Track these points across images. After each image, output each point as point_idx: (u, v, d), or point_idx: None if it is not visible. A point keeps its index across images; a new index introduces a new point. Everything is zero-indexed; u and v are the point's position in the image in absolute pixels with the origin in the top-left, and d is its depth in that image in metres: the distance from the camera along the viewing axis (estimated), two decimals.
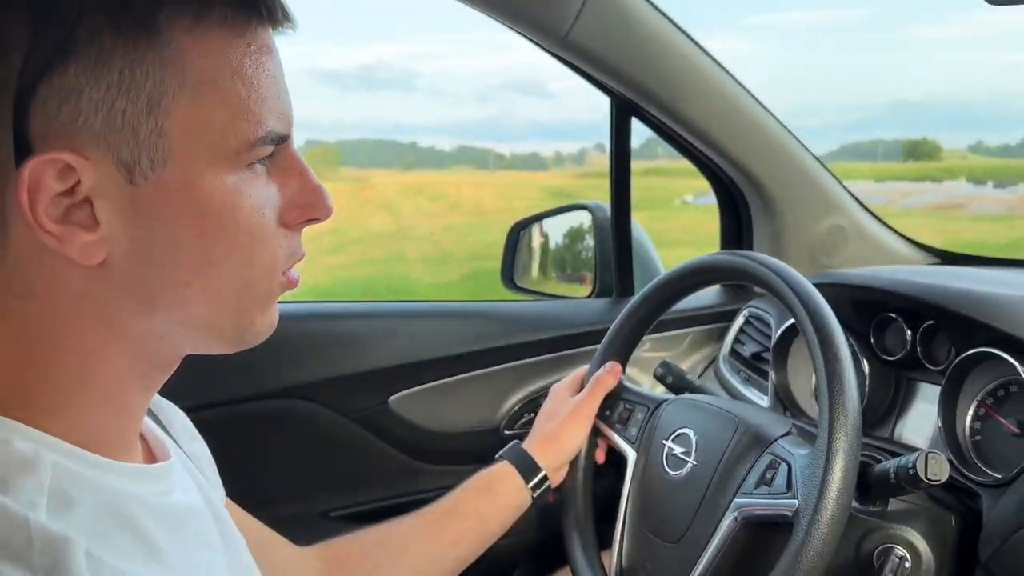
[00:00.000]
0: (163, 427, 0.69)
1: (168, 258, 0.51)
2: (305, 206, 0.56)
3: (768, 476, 0.86)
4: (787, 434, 0.90)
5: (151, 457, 0.62)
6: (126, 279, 0.51)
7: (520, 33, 1.14)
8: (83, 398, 0.52)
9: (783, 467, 0.85)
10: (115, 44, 0.47)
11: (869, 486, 0.87)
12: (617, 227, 1.43)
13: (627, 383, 1.08)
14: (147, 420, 0.64)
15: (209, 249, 0.52)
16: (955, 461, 0.97)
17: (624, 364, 1.10)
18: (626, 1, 1.14)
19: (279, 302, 0.59)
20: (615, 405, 1.06)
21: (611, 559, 0.99)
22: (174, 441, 0.68)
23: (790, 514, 0.80)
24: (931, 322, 1.03)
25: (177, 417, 0.74)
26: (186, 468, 0.65)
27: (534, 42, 1.16)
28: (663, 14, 1.19)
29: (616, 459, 1.07)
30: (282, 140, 0.54)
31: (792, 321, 1.13)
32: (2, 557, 0.44)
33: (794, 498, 0.81)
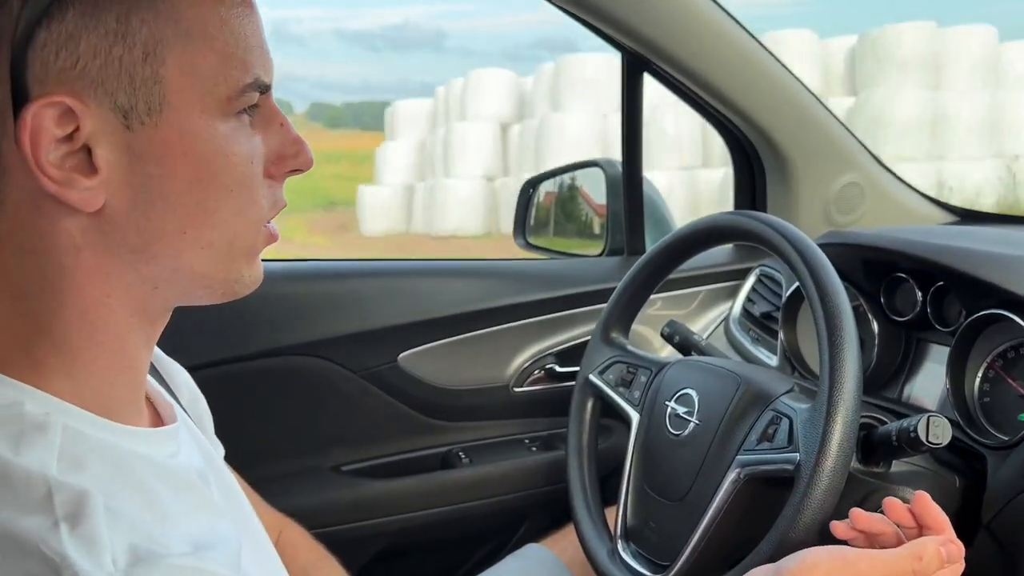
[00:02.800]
0: (166, 385, 0.70)
1: (164, 205, 0.52)
2: (288, 157, 0.57)
3: (770, 432, 0.86)
4: (789, 391, 0.90)
5: (158, 420, 0.63)
6: (123, 227, 0.52)
7: None
8: (88, 355, 0.53)
9: (784, 422, 0.85)
10: None
11: (872, 447, 0.87)
12: (629, 185, 1.42)
13: (630, 347, 1.08)
14: (153, 383, 0.65)
15: (203, 196, 0.53)
16: (962, 422, 0.96)
17: (629, 325, 1.10)
18: None
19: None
20: (618, 368, 1.06)
21: (616, 518, 1.00)
22: (177, 400, 0.69)
23: (792, 468, 0.81)
24: (941, 283, 1.02)
25: (180, 375, 0.75)
26: (190, 430, 0.66)
27: None
28: None
29: (621, 418, 1.07)
30: (266, 88, 0.55)
31: None
32: (25, 511, 0.45)
33: (795, 451, 0.81)
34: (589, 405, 1.09)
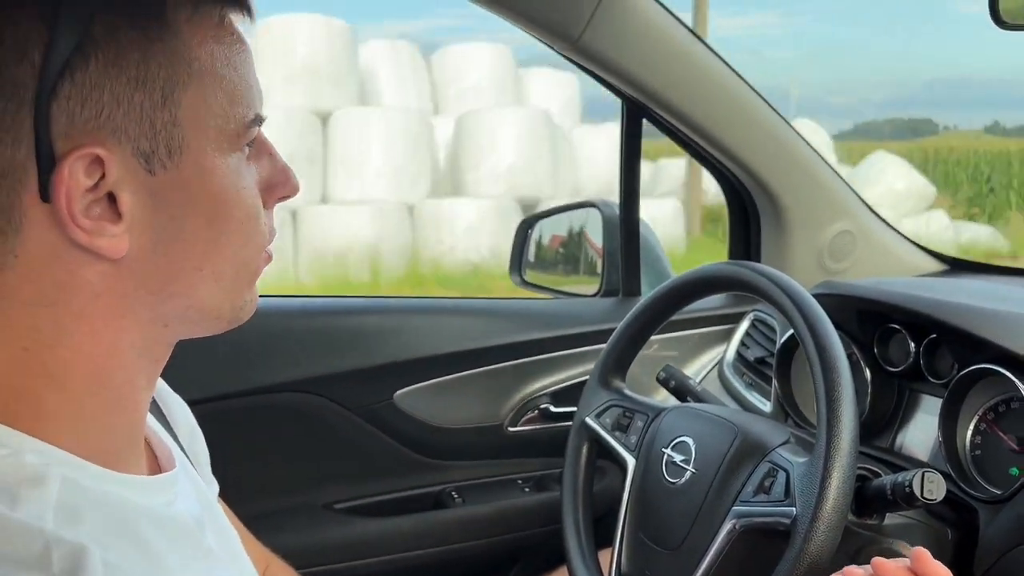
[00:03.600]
0: (166, 421, 0.70)
1: (183, 244, 0.53)
2: (279, 185, 0.59)
3: (766, 484, 0.87)
4: (785, 442, 0.91)
5: (155, 463, 0.63)
6: (143, 270, 0.52)
7: (533, 35, 1.14)
8: (94, 401, 0.53)
9: (781, 475, 0.86)
10: (130, 37, 0.49)
11: (866, 500, 0.88)
12: (626, 226, 1.43)
13: (627, 391, 1.09)
14: (152, 424, 0.65)
15: (218, 231, 0.54)
16: (954, 475, 0.97)
17: (626, 368, 1.11)
18: (638, 5, 1.14)
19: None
20: (615, 412, 1.07)
21: (610, 563, 1.00)
22: (175, 437, 0.69)
23: (788, 522, 0.81)
24: (934, 335, 1.03)
25: (181, 411, 0.74)
26: (187, 473, 0.66)
27: (547, 44, 1.16)
28: (675, 17, 1.19)
29: (617, 461, 1.08)
30: (262, 121, 0.56)
31: None
32: (23, 567, 0.45)
33: (792, 506, 0.82)
34: (585, 448, 1.10)
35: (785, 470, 0.85)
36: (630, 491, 1.00)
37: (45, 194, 0.48)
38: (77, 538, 0.46)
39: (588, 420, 1.09)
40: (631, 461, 1.02)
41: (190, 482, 0.66)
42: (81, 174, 0.48)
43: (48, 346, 0.51)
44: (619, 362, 1.10)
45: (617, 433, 1.05)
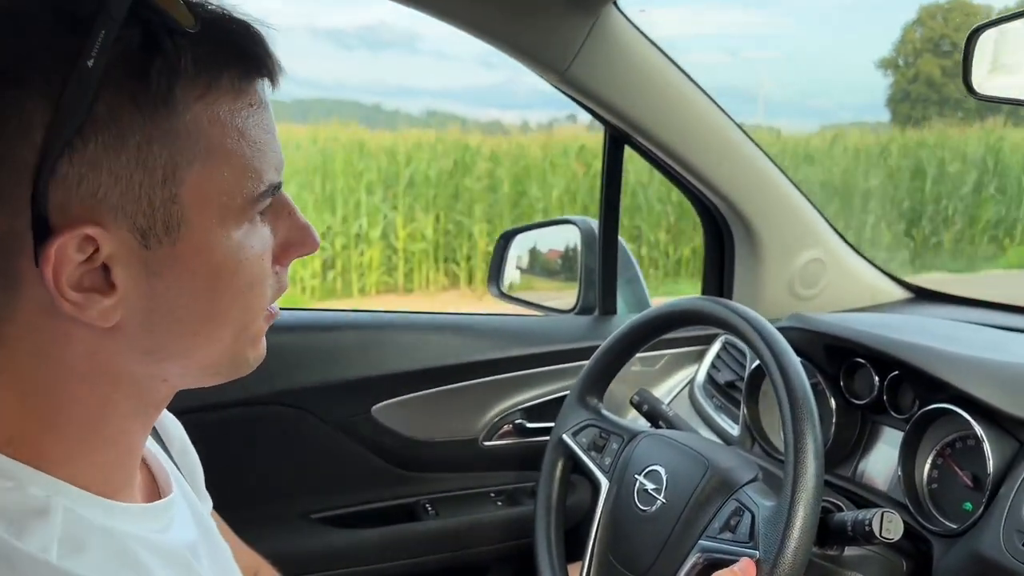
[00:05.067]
0: (160, 439, 0.72)
1: (179, 313, 0.53)
2: (297, 243, 0.59)
3: (732, 523, 0.90)
4: (753, 480, 0.95)
5: (153, 486, 0.65)
6: (136, 335, 0.53)
7: (524, 65, 1.16)
8: (89, 445, 0.55)
9: (747, 515, 0.89)
10: (133, 118, 0.48)
11: (827, 533, 0.91)
12: (604, 247, 1.46)
13: (604, 411, 1.12)
14: (152, 447, 0.66)
15: (216, 300, 0.54)
16: (911, 508, 1.02)
17: (604, 390, 1.14)
18: (623, 40, 1.16)
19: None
20: (591, 432, 1.10)
21: None
22: (168, 455, 0.71)
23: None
24: (897, 372, 1.07)
25: (175, 430, 0.76)
26: (184, 495, 0.68)
27: (537, 74, 1.18)
28: (660, 50, 1.22)
29: (590, 480, 1.11)
30: (278, 188, 0.56)
31: None
32: None
33: (755, 548, 0.85)
34: (560, 464, 1.13)
35: (751, 512, 0.88)
36: (602, 512, 1.03)
37: (38, 262, 0.49)
38: (81, 570, 0.49)
39: (565, 437, 1.12)
40: (604, 483, 1.05)
41: (187, 504, 0.67)
42: (72, 250, 0.49)
43: (44, 393, 0.53)
44: (597, 383, 1.13)
45: (593, 453, 1.08)
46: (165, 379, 0.57)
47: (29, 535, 0.49)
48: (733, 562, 0.86)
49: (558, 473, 1.13)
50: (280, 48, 0.54)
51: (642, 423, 1.32)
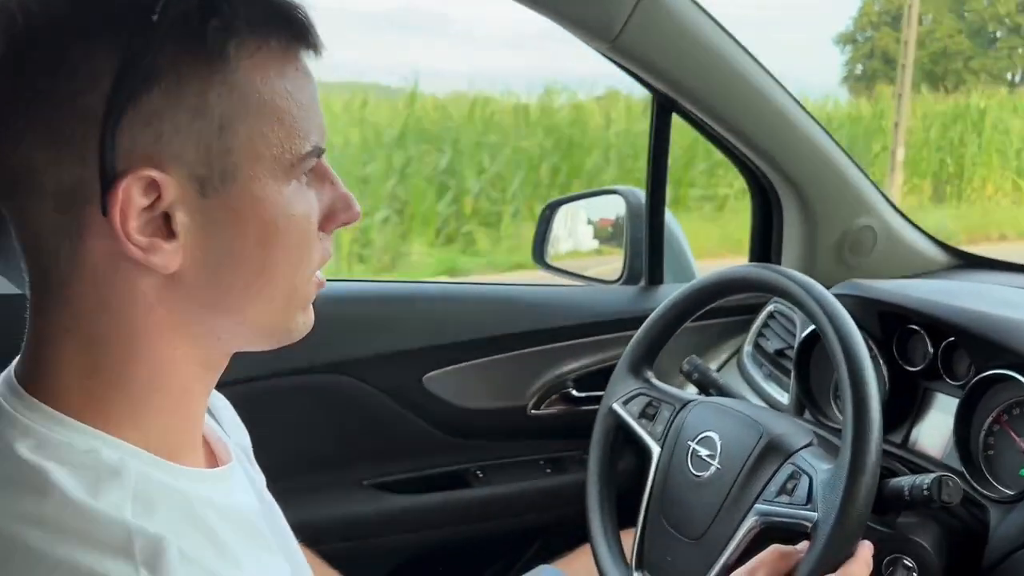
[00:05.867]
0: (214, 417, 0.74)
1: (233, 264, 0.55)
2: (339, 211, 0.61)
3: (789, 486, 0.90)
4: (808, 445, 0.95)
5: (213, 458, 0.67)
6: (195, 286, 0.55)
7: (571, 33, 1.16)
8: (153, 404, 0.57)
9: (804, 479, 0.89)
10: (192, 70, 0.51)
11: (883, 499, 0.91)
12: (651, 215, 1.46)
13: (655, 381, 1.12)
14: (208, 420, 0.68)
15: (267, 255, 0.56)
16: (967, 474, 1.01)
17: (654, 359, 1.15)
18: (674, 6, 1.15)
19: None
20: (642, 400, 1.10)
21: (632, 546, 1.05)
22: (224, 432, 0.73)
23: (809, 525, 0.85)
24: (952, 339, 1.07)
25: (226, 410, 0.78)
26: (242, 466, 0.70)
27: (584, 42, 1.18)
28: (710, 17, 1.21)
29: (641, 447, 1.12)
30: (322, 152, 0.59)
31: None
32: (107, 554, 0.49)
33: (813, 511, 0.85)
34: (611, 433, 1.13)
35: (808, 475, 0.88)
36: (654, 478, 1.04)
37: (105, 210, 0.51)
38: (155, 528, 0.51)
39: (615, 406, 1.12)
40: (656, 450, 1.05)
41: (246, 475, 0.70)
42: (138, 194, 0.51)
43: (110, 351, 0.55)
44: (648, 352, 1.13)
45: (643, 421, 1.08)
46: (220, 337, 0.59)
47: (105, 494, 0.51)
48: (790, 525, 0.87)
49: (609, 442, 1.14)
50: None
51: (692, 391, 1.32)
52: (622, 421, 1.12)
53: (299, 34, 0.56)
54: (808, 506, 0.86)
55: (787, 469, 0.91)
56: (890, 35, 16.79)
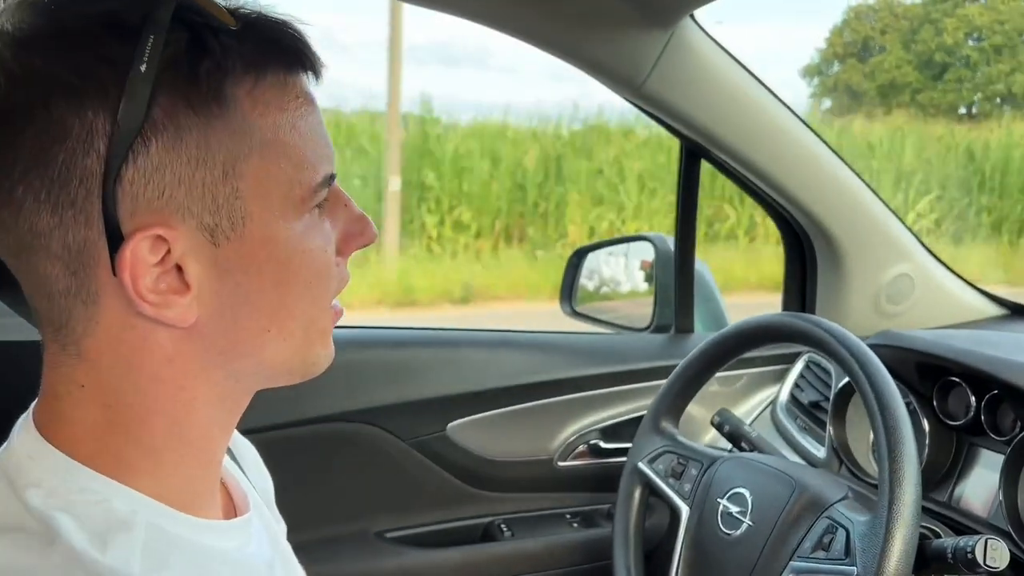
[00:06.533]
0: (236, 462, 0.72)
1: (250, 308, 0.54)
2: (355, 235, 0.59)
3: (825, 541, 0.87)
4: (844, 498, 0.91)
5: (231, 505, 0.65)
6: (212, 334, 0.54)
7: (598, 80, 1.15)
8: (171, 456, 0.55)
9: (841, 532, 0.86)
10: (188, 118, 0.49)
11: (926, 560, 0.87)
12: (681, 263, 1.44)
13: (680, 437, 1.09)
14: (229, 466, 0.67)
15: (284, 293, 0.55)
16: (1014, 535, 0.96)
17: (680, 414, 1.11)
18: (700, 52, 1.14)
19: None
20: (668, 458, 1.07)
21: None
22: (246, 477, 0.71)
23: None
24: (996, 392, 1.02)
25: (249, 452, 0.77)
26: (260, 515, 0.68)
27: (611, 89, 1.17)
28: (738, 62, 1.19)
29: (669, 506, 1.08)
30: (333, 179, 0.57)
31: None
32: None
33: (852, 565, 0.82)
34: (637, 493, 1.10)
35: (845, 528, 0.85)
36: (684, 539, 1.00)
37: (115, 270, 0.50)
38: None
39: (641, 465, 1.09)
40: (685, 509, 1.02)
41: (263, 524, 0.68)
42: (146, 252, 0.50)
43: (127, 405, 0.54)
44: (672, 407, 1.11)
45: (671, 480, 1.05)
46: (239, 380, 0.57)
47: (113, 548, 0.50)
48: None
49: (635, 503, 1.11)
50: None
51: (723, 443, 1.28)
52: (648, 480, 1.09)
53: (296, 60, 0.54)
54: (847, 561, 0.82)
55: (823, 523, 0.87)
56: (856, 67, 16.46)
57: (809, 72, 17.46)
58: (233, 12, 0.51)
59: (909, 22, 16.68)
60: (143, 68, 0.47)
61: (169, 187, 0.49)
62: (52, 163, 0.48)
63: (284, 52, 0.53)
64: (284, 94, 0.53)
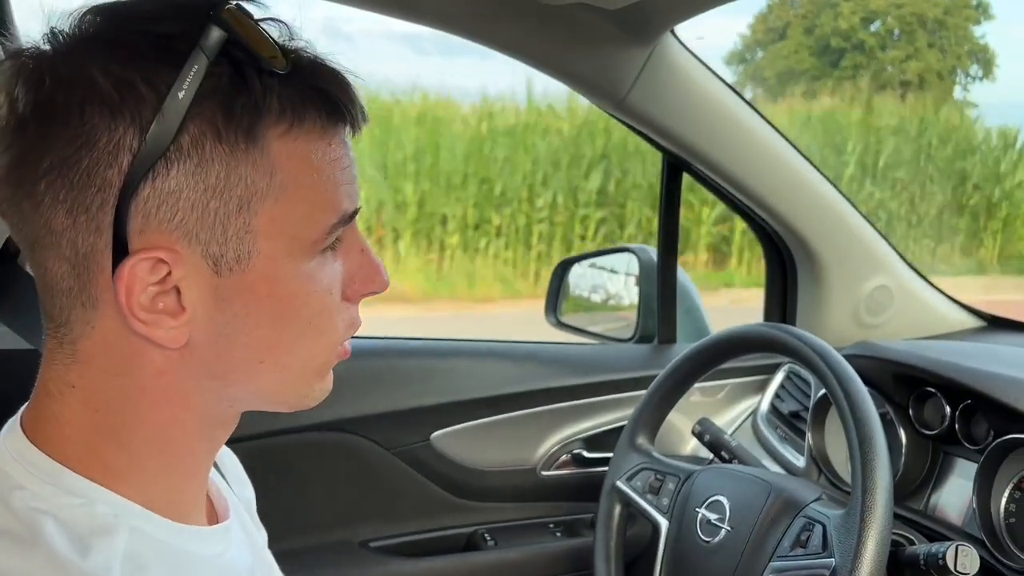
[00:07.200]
0: (217, 469, 0.73)
1: (246, 339, 0.54)
2: (365, 281, 0.59)
3: (803, 538, 0.89)
4: (818, 499, 0.93)
5: (212, 512, 0.66)
6: (204, 358, 0.54)
7: (580, 93, 1.17)
8: (156, 464, 0.56)
9: (817, 528, 0.88)
10: (215, 150, 0.50)
11: (899, 567, 0.89)
12: (663, 274, 1.45)
13: (656, 453, 1.11)
14: (212, 474, 0.68)
15: (282, 329, 0.55)
16: (987, 542, 0.98)
17: (656, 430, 1.13)
18: (681, 66, 1.16)
19: None
20: (646, 475, 1.08)
21: None
22: (228, 484, 0.72)
23: (827, 573, 0.83)
24: (969, 401, 1.04)
25: (231, 461, 0.77)
26: (241, 522, 0.69)
27: (593, 102, 1.19)
28: (719, 77, 1.21)
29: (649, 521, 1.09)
30: (353, 216, 0.57)
31: None
32: None
33: (830, 556, 0.84)
34: (617, 511, 1.12)
35: (821, 523, 0.87)
36: (664, 552, 1.02)
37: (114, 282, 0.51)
38: None
39: (619, 484, 1.11)
40: (664, 523, 1.03)
41: (243, 531, 0.68)
42: (145, 271, 0.50)
43: (116, 411, 0.55)
44: (649, 423, 1.12)
45: (649, 496, 1.07)
46: (231, 403, 0.58)
47: (94, 553, 0.50)
48: None
49: (615, 521, 1.12)
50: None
51: (703, 453, 1.30)
52: (627, 498, 1.10)
53: (336, 112, 0.54)
54: (824, 553, 0.84)
55: (800, 522, 0.89)
56: (777, 52, 15.68)
57: (732, 60, 16.83)
58: (287, 53, 0.52)
59: (815, 6, 15.66)
60: (181, 95, 0.48)
61: (182, 211, 0.50)
62: (76, 167, 0.49)
63: (327, 102, 0.53)
64: (318, 141, 0.53)
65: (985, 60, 15.71)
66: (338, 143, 0.55)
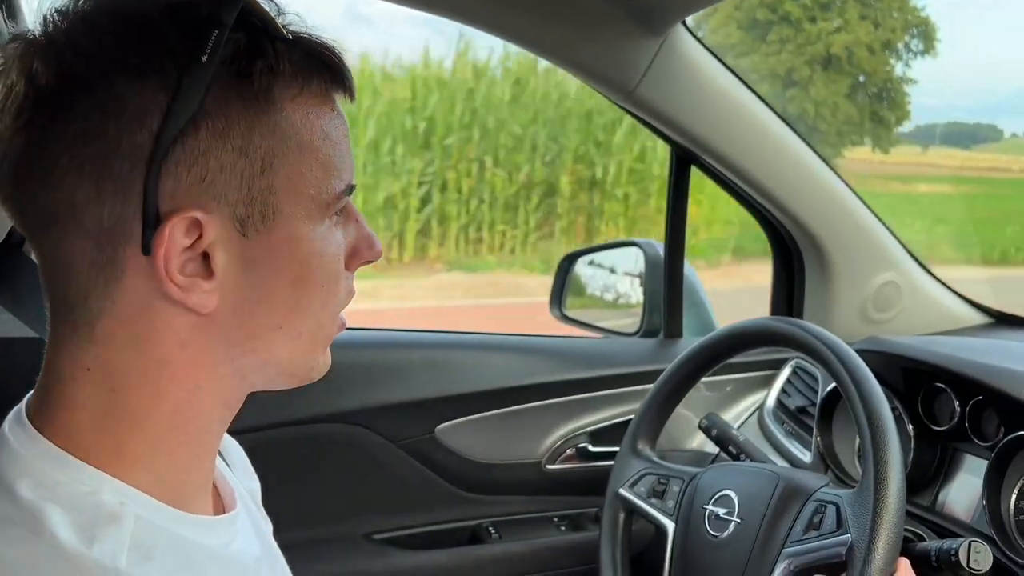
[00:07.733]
0: (223, 459, 0.72)
1: (267, 304, 0.56)
2: (363, 250, 0.62)
3: (816, 520, 0.89)
4: (826, 485, 0.93)
5: (218, 502, 0.65)
6: (227, 325, 0.55)
7: (589, 85, 1.16)
8: (172, 443, 0.56)
9: (831, 508, 0.88)
10: (238, 112, 0.52)
11: (910, 563, 0.88)
12: (669, 268, 1.45)
13: (656, 458, 1.10)
14: (218, 464, 0.67)
15: (301, 293, 0.57)
16: (997, 539, 0.97)
17: (657, 434, 1.12)
18: (692, 59, 1.15)
19: None
20: (649, 480, 1.08)
21: None
22: (234, 475, 0.72)
23: (844, 550, 0.83)
24: (980, 397, 1.03)
25: (237, 452, 0.77)
26: (248, 512, 0.69)
27: (602, 93, 1.18)
28: (730, 70, 1.21)
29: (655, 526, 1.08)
30: (352, 189, 0.60)
31: None
32: None
33: (846, 532, 0.84)
34: (621, 519, 1.11)
35: (834, 503, 0.87)
36: (672, 554, 1.01)
37: (146, 249, 0.51)
38: None
39: (622, 491, 1.10)
40: (670, 525, 1.03)
41: (250, 521, 0.68)
42: (181, 235, 0.51)
43: (133, 388, 0.54)
44: (650, 428, 1.12)
45: (653, 500, 1.06)
46: (244, 376, 0.58)
47: (100, 542, 0.50)
48: (825, 557, 0.85)
49: (620, 529, 1.11)
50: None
51: (709, 447, 1.29)
52: (631, 504, 1.09)
53: (337, 78, 0.57)
54: (839, 531, 0.84)
55: (811, 506, 0.89)
56: (710, 28, 13.38)
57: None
58: (284, 27, 0.55)
59: None
60: (204, 59, 0.50)
61: (211, 172, 0.52)
62: (102, 136, 0.50)
63: (329, 67, 0.57)
64: (322, 105, 0.56)
65: (925, 34, 14.34)
66: (338, 110, 0.59)
